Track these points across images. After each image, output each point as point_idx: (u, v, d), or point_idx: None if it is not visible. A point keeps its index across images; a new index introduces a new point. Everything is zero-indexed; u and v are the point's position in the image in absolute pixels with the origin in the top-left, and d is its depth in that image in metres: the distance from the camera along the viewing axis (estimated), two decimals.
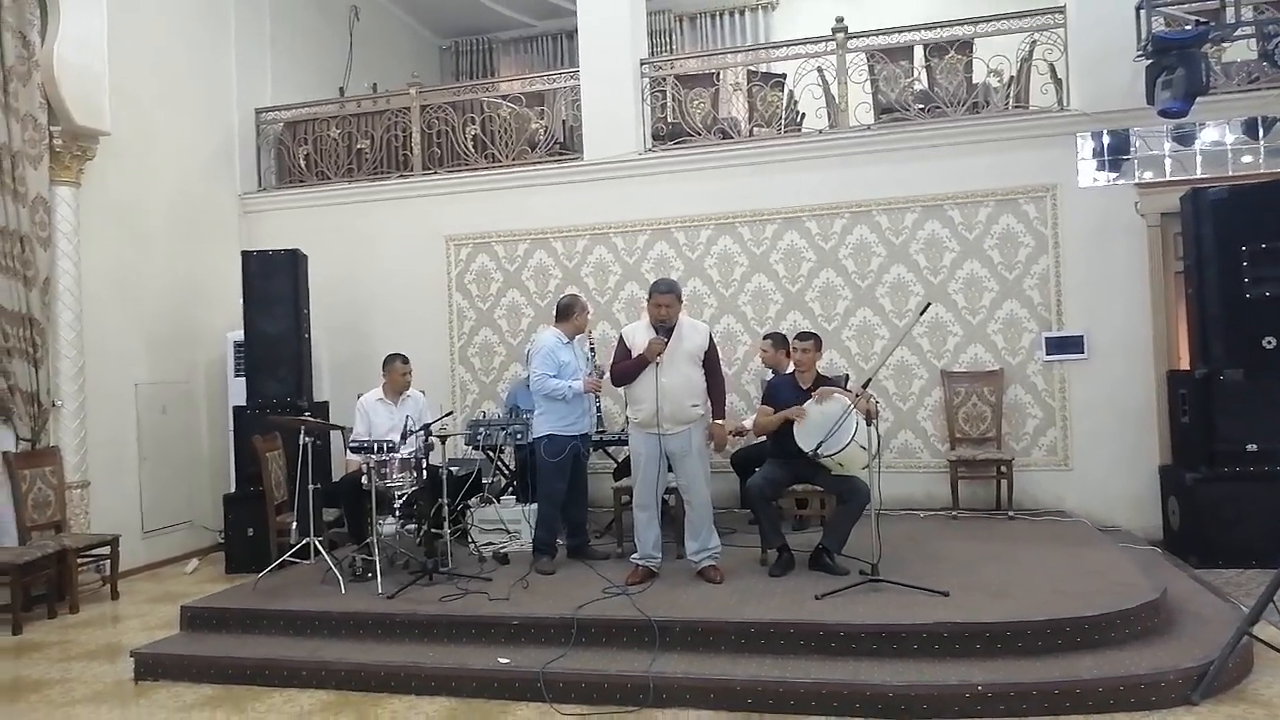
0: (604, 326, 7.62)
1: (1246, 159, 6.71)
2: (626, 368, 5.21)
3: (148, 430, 7.57)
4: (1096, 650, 4.15)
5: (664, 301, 5.14)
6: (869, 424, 4.99)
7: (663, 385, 5.06)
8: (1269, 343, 4.08)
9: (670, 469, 5.29)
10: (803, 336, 5.62)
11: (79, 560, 6.40)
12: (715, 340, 5.44)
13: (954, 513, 6.81)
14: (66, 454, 6.71)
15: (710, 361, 5.26)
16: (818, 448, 5.07)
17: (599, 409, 6.89)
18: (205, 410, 8.23)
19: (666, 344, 5.09)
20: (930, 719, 3.85)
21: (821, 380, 5.53)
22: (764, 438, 5.79)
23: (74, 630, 5.86)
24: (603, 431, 6.92)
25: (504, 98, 8.51)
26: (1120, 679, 3.90)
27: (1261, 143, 6.66)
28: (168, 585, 6.95)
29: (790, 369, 6.45)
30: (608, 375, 5.51)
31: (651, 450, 5.17)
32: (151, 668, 4.81)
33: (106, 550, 6.60)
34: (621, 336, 5.38)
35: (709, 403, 5.24)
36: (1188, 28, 5.81)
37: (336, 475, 7.06)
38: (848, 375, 6.95)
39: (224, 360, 8.16)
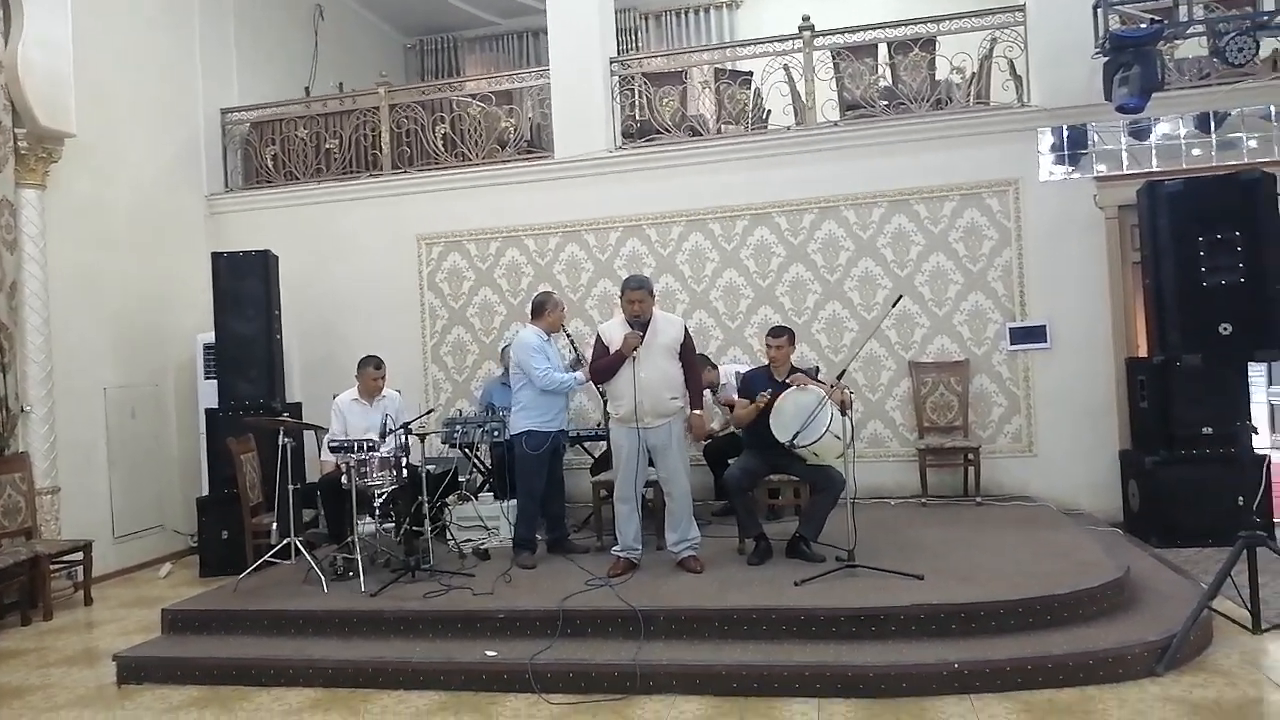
0: (577, 323, 7.67)
1: (1197, 152, 6.94)
2: (605, 364, 5.28)
3: (117, 434, 7.50)
4: (1065, 627, 4.31)
5: (635, 298, 5.23)
6: (843, 414, 5.11)
7: (640, 380, 5.14)
8: (1225, 329, 4.24)
9: (651, 463, 5.37)
10: (775, 332, 5.71)
11: (51, 567, 6.34)
12: (690, 333, 5.52)
13: (923, 500, 6.98)
14: (36, 459, 6.63)
15: (686, 354, 5.35)
16: (794, 438, 5.17)
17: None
18: (175, 413, 8.17)
19: (642, 338, 5.17)
20: (910, 697, 3.96)
21: (795, 372, 5.64)
22: (737, 430, 5.90)
23: (50, 637, 5.80)
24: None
25: (473, 96, 8.53)
26: (1088, 653, 4.06)
27: (1213, 136, 6.90)
28: (142, 590, 6.90)
29: (723, 382, 6.62)
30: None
31: (633, 444, 5.25)
32: (135, 671, 4.79)
33: (79, 556, 6.54)
34: (598, 334, 5.46)
35: (687, 395, 5.33)
36: (1143, 26, 6.02)
37: (310, 476, 7.06)
38: (818, 367, 7.08)
39: (193, 363, 8.11)
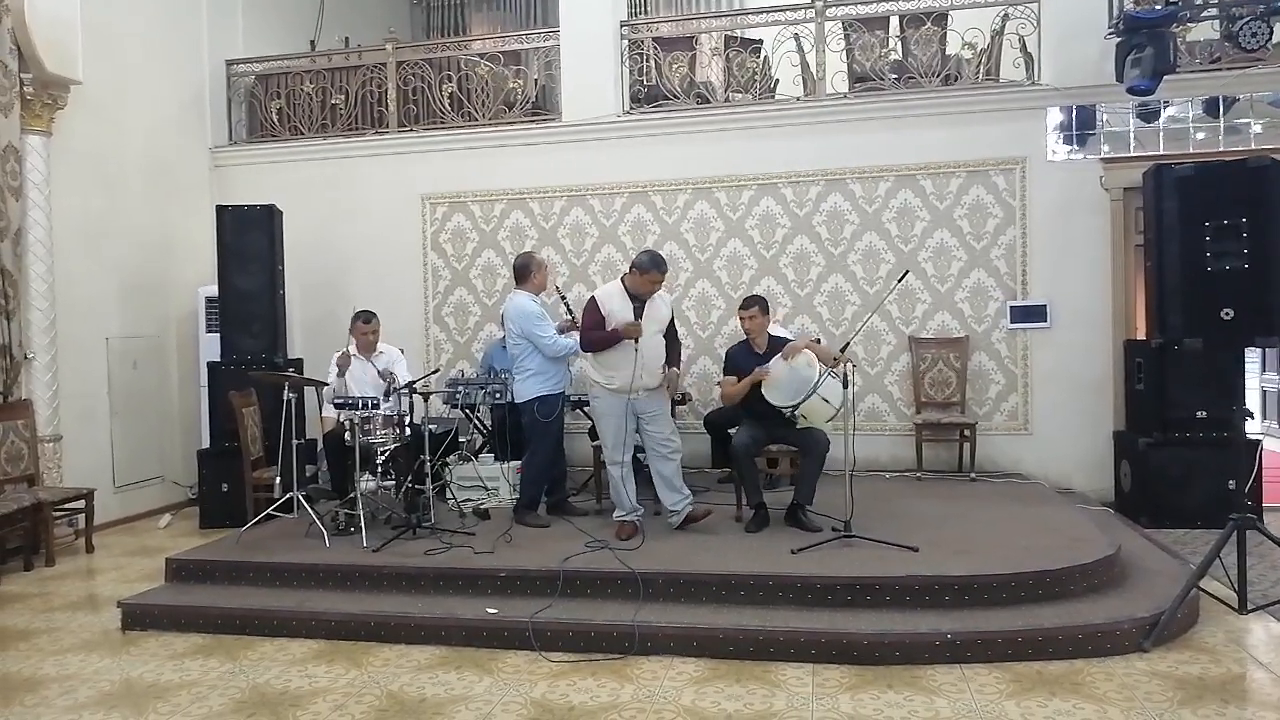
0: (579, 289, 7.66)
1: (1203, 136, 6.96)
2: (602, 338, 5.23)
3: (119, 385, 7.52)
4: (1056, 601, 4.39)
5: (658, 280, 5.27)
6: (845, 387, 5.14)
7: (641, 357, 5.18)
8: (1227, 314, 4.28)
9: (637, 429, 5.42)
10: (745, 304, 5.73)
11: (54, 514, 6.39)
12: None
13: (918, 474, 7.05)
14: (38, 407, 6.66)
15: (670, 327, 5.46)
16: (795, 408, 5.22)
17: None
18: (176, 365, 8.18)
19: (641, 325, 5.20)
20: (903, 665, 4.05)
21: (774, 340, 5.67)
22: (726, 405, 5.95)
23: (52, 583, 5.87)
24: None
25: (480, 56, 8.46)
26: (1078, 628, 4.15)
27: (1220, 121, 6.91)
28: (142, 539, 6.97)
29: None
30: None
31: (622, 409, 5.30)
32: (139, 618, 4.86)
33: (81, 504, 6.59)
34: (596, 301, 5.32)
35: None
36: (1158, 7, 6.00)
37: (310, 432, 7.09)
38: (819, 339, 7.11)
39: (195, 316, 8.12)
